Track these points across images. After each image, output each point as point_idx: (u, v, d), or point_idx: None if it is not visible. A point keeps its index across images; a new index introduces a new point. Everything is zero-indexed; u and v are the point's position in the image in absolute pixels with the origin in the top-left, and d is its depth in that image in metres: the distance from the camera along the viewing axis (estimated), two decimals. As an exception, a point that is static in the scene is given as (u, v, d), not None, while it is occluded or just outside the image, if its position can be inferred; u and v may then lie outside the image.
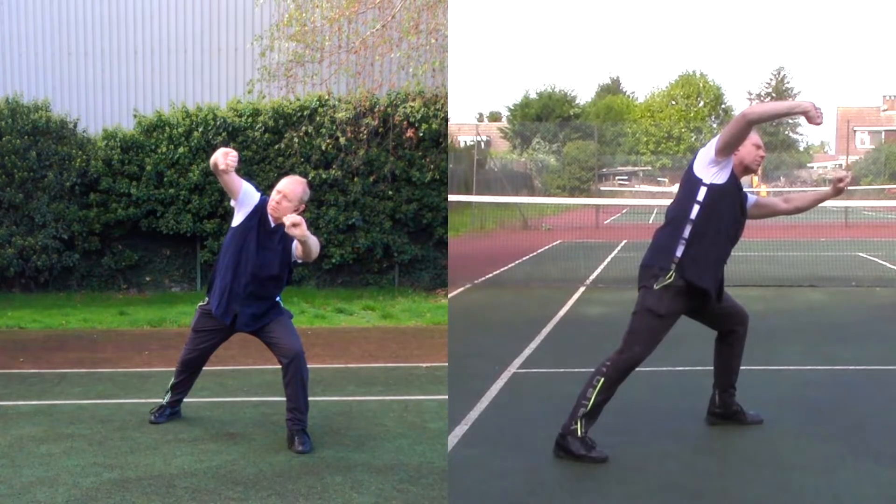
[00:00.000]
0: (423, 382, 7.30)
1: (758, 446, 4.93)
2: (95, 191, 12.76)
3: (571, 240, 19.48)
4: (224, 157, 5.17)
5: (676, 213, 4.81)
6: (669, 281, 4.70)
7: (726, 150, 4.69)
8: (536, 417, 5.50)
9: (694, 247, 4.72)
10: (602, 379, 4.70)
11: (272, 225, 5.40)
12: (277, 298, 5.59)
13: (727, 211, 4.78)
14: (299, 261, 5.47)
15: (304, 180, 5.57)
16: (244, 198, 5.42)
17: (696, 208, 4.73)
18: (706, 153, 4.77)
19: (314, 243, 5.30)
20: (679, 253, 4.72)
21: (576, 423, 4.68)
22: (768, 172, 51.84)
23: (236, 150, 5.30)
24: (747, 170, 4.92)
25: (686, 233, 4.74)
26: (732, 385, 5.26)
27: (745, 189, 5.02)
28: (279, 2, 13.45)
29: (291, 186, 5.42)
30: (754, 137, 4.84)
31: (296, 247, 5.35)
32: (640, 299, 4.79)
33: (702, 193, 4.73)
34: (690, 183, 4.79)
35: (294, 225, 5.01)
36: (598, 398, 4.70)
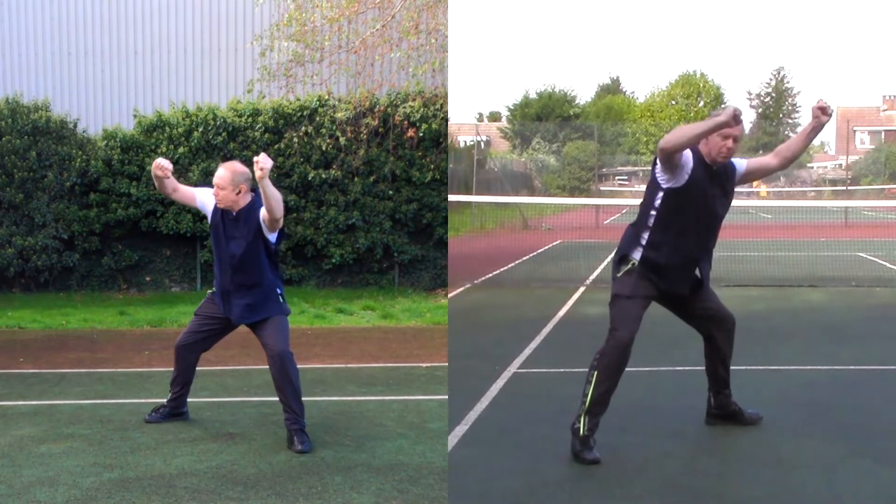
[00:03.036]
0: (423, 382, 7.30)
1: (758, 446, 4.93)
2: (95, 191, 12.75)
3: (571, 240, 19.45)
4: (155, 169, 5.40)
5: (639, 217, 4.87)
6: (629, 267, 4.82)
7: (664, 165, 4.64)
8: (536, 417, 5.51)
9: (654, 252, 4.76)
10: (595, 373, 4.73)
11: (233, 214, 5.48)
12: (279, 290, 5.59)
13: (694, 207, 4.71)
14: (272, 233, 5.43)
15: (234, 163, 5.59)
16: (203, 202, 5.64)
17: (652, 214, 4.75)
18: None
19: (273, 194, 5.17)
20: (638, 256, 4.80)
21: (578, 422, 4.71)
22: (768, 172, 51.74)
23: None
24: (715, 161, 4.74)
25: (644, 240, 4.79)
26: (726, 387, 5.24)
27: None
28: (279, 2, 13.44)
29: (221, 174, 5.47)
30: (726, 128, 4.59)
31: (262, 215, 5.34)
32: (611, 290, 4.91)
33: (658, 199, 4.73)
34: (652, 185, 4.79)
35: (261, 170, 5.04)
36: (595, 392, 4.71)
